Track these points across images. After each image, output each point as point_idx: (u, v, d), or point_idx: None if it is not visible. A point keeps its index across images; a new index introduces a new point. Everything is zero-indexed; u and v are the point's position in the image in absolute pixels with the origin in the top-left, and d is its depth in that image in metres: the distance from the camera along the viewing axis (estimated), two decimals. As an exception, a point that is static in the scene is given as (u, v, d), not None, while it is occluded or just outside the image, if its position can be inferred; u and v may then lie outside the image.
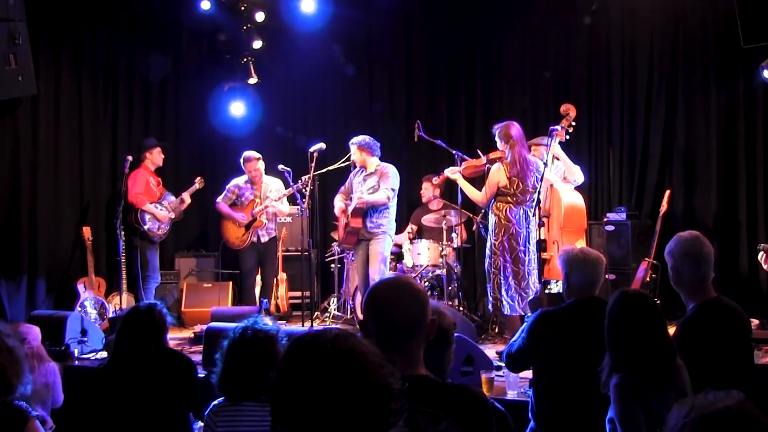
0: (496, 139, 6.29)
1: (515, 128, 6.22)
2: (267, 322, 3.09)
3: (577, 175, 6.56)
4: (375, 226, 6.81)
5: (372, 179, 6.89)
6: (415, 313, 2.11)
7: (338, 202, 7.11)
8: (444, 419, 1.90)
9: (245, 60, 8.45)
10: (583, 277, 3.65)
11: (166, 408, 3.22)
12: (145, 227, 7.59)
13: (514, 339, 3.81)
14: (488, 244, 6.28)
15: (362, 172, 7.01)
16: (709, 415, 1.49)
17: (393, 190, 6.81)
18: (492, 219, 6.25)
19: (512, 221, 6.12)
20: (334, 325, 7.25)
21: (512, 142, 6.15)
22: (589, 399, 3.30)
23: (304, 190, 7.02)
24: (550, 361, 3.52)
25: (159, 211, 7.69)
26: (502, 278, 6.14)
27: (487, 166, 6.34)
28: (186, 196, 7.88)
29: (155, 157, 7.81)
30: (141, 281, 7.53)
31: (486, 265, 6.32)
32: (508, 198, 6.15)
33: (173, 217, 7.85)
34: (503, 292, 6.13)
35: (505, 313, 6.21)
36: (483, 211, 7.23)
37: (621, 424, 2.80)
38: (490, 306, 6.41)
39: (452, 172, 6.52)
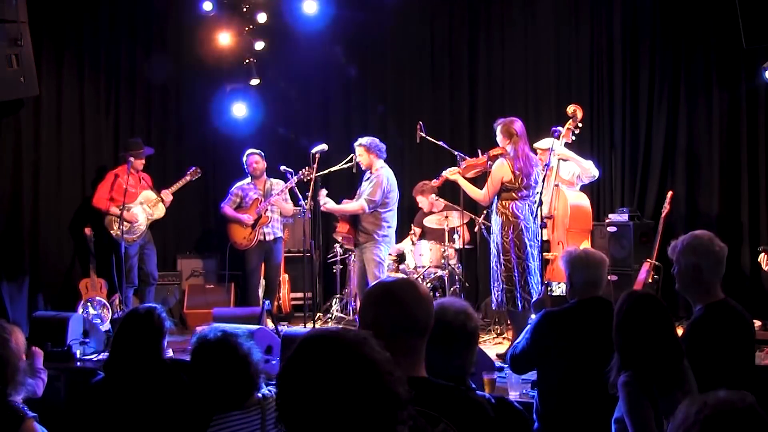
0: (498, 134, 6.25)
1: (518, 124, 6.20)
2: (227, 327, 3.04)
3: (593, 171, 6.54)
4: (364, 232, 6.77)
5: (366, 184, 6.83)
6: (430, 313, 2.12)
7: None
8: (441, 421, 1.90)
9: (247, 61, 8.46)
10: (586, 277, 3.66)
11: (172, 418, 3.18)
12: (112, 233, 7.42)
13: (517, 341, 3.81)
14: (495, 244, 6.22)
15: (366, 173, 6.96)
16: (720, 412, 1.49)
17: (371, 201, 6.66)
18: (497, 219, 6.19)
19: (519, 217, 6.08)
20: (336, 327, 7.24)
21: (515, 138, 6.13)
22: (594, 399, 3.30)
23: (305, 179, 6.98)
24: (555, 361, 3.53)
25: (127, 213, 7.37)
26: (515, 275, 6.08)
27: (489, 163, 6.29)
28: (165, 195, 7.62)
29: (136, 164, 7.58)
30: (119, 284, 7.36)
31: (493, 264, 6.25)
32: (513, 194, 6.11)
33: (152, 215, 7.58)
34: (515, 288, 6.08)
35: (516, 308, 6.14)
36: (485, 212, 7.21)
37: (631, 421, 2.79)
38: (494, 305, 6.34)
39: (451, 173, 6.47)
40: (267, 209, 7.54)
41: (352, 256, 7.73)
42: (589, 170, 6.53)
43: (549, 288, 6.05)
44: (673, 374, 2.84)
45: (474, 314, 2.55)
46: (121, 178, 7.50)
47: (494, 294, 6.21)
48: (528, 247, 6.05)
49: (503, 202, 6.13)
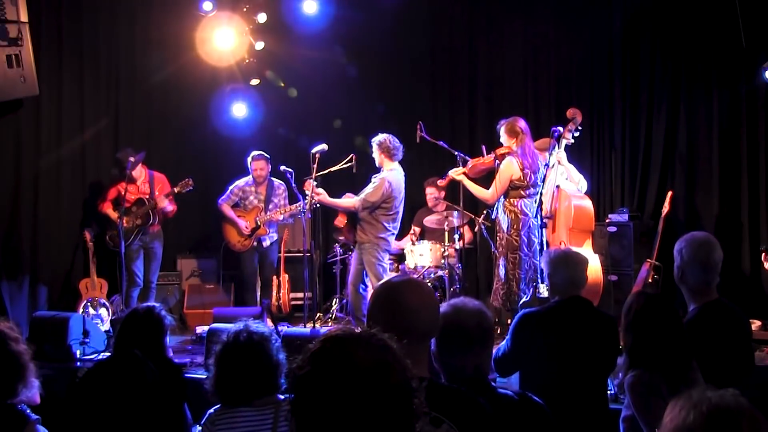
0: (502, 134, 6.23)
1: (522, 122, 6.21)
2: (260, 324, 3.05)
3: (581, 185, 6.54)
4: (362, 233, 6.74)
5: (370, 184, 6.80)
6: (435, 316, 2.16)
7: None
8: (444, 421, 1.90)
9: (247, 61, 8.46)
10: (566, 276, 3.67)
11: (154, 413, 3.18)
12: (107, 235, 7.51)
13: (501, 343, 3.81)
14: (502, 242, 6.17)
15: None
16: (705, 405, 1.50)
17: (367, 201, 6.64)
18: (505, 217, 6.15)
19: (528, 215, 6.07)
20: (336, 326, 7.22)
21: (522, 135, 6.13)
22: (576, 398, 3.30)
23: (309, 207, 6.83)
24: (535, 361, 3.53)
25: (113, 214, 7.42)
26: (521, 272, 6.06)
27: (497, 163, 6.26)
28: (160, 200, 7.45)
29: (132, 175, 7.47)
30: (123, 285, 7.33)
31: (501, 262, 6.20)
32: (521, 191, 6.09)
33: (138, 223, 7.44)
34: (522, 287, 6.05)
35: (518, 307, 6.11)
36: (485, 212, 7.20)
37: (643, 419, 2.79)
38: (499, 303, 6.28)
39: (457, 173, 6.45)
40: (265, 222, 7.52)
41: (352, 256, 7.71)
42: (578, 183, 6.53)
43: (536, 289, 6.04)
44: (682, 374, 2.84)
45: (488, 313, 2.55)
46: (119, 184, 7.44)
47: (499, 292, 6.17)
48: (535, 245, 6.05)
49: (511, 200, 6.11)
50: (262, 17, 8.28)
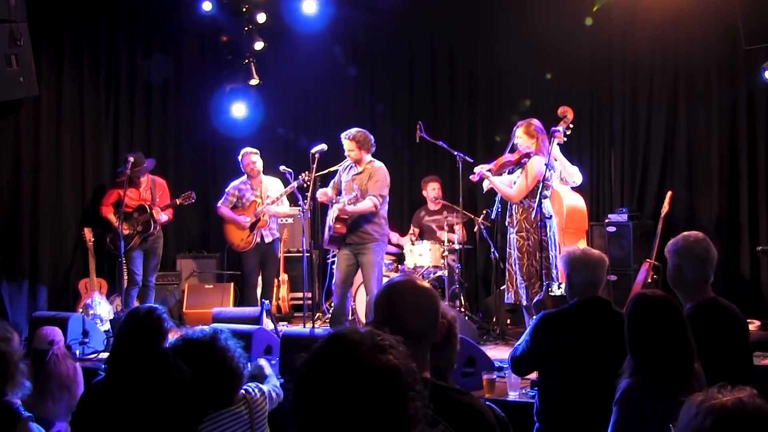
0: (521, 135, 6.15)
1: (537, 122, 6.19)
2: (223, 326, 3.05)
3: (576, 177, 6.50)
4: (365, 233, 6.44)
5: (360, 180, 6.53)
6: (430, 318, 2.14)
7: (324, 196, 6.69)
8: (440, 422, 1.90)
9: (247, 61, 8.46)
10: (585, 277, 3.67)
11: (171, 414, 3.17)
12: (108, 237, 7.53)
13: (518, 342, 3.82)
14: (528, 243, 6.09)
15: (352, 168, 6.66)
16: (721, 407, 1.49)
17: (382, 196, 6.43)
18: (531, 217, 6.10)
19: (550, 215, 6.07)
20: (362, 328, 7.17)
21: (542, 136, 6.12)
22: (595, 399, 3.30)
23: (305, 185, 6.86)
24: (554, 362, 3.54)
25: (116, 219, 7.39)
26: (554, 271, 6.01)
27: (524, 161, 6.21)
28: (157, 212, 7.46)
29: (138, 181, 7.53)
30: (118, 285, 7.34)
31: (525, 261, 6.11)
32: (545, 191, 6.08)
33: (140, 229, 7.45)
34: (554, 283, 6.00)
35: None
36: (485, 212, 7.19)
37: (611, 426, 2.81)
38: (525, 301, 6.18)
39: (485, 169, 6.36)
40: (265, 213, 7.51)
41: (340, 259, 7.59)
42: (573, 176, 6.48)
43: (549, 288, 6.00)
44: (684, 375, 2.82)
45: (448, 310, 2.52)
46: (120, 189, 7.40)
47: (525, 289, 6.05)
48: (556, 244, 6.06)
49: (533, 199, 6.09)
50: (261, 17, 8.28)
